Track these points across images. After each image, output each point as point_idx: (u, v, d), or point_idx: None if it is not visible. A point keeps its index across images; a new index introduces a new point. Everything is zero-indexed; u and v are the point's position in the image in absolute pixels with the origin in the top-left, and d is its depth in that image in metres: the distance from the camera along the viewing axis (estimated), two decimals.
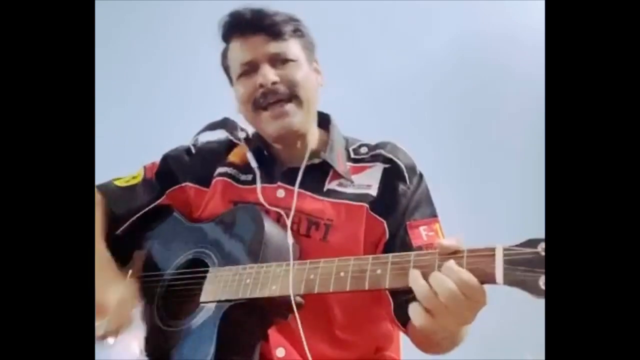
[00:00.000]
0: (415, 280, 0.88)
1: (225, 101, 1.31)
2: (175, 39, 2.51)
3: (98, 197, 1.30)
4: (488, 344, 2.10)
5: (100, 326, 1.11)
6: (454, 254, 0.89)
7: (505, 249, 0.85)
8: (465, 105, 2.47)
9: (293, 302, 1.00)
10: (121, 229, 1.29)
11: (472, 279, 0.85)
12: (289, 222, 1.13)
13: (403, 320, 1.13)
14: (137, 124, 2.43)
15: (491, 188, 2.36)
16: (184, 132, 1.38)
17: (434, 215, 1.21)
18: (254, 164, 1.25)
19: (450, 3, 2.47)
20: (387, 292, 1.12)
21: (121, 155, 1.56)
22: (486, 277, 0.85)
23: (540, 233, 0.82)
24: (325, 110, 1.33)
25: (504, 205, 2.38)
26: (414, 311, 0.89)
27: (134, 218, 1.29)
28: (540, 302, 0.78)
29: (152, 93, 2.49)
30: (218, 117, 1.34)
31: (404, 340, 1.30)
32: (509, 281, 0.83)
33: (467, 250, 0.89)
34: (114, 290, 1.14)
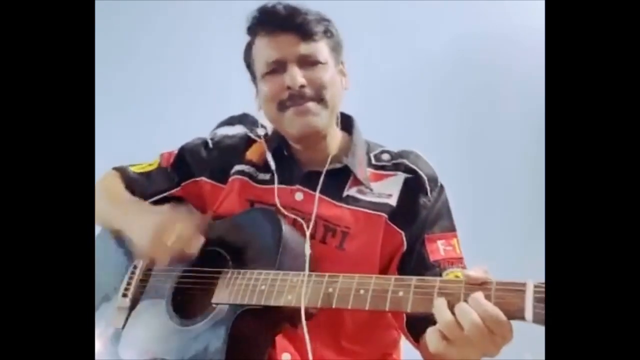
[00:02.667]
0: (440, 309, 0.86)
1: (242, 96, 1.28)
2: (189, 32, 2.46)
3: (116, 175, 1.31)
4: None
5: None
6: (482, 284, 0.87)
7: (536, 286, 0.83)
8: (465, 106, 2.46)
9: (303, 315, 0.99)
10: None
11: (499, 314, 0.83)
12: (308, 232, 1.11)
13: (415, 336, 1.12)
14: (147, 117, 2.41)
15: (491, 188, 2.36)
16: (197, 125, 1.36)
17: (452, 229, 1.20)
18: (272, 165, 1.22)
19: (451, 3, 2.46)
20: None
21: (123, 149, 1.54)
22: (514, 313, 0.83)
23: (540, 233, 0.81)
24: None
25: (503, 206, 2.38)
26: (432, 337, 0.87)
27: (149, 201, 1.27)
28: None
29: (165, 86, 2.46)
30: (229, 110, 1.31)
31: (403, 341, 1.29)
32: (539, 320, 0.81)
33: (496, 282, 0.86)
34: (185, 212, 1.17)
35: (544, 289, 0.82)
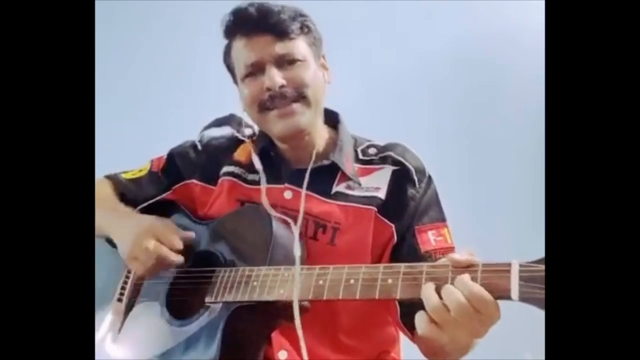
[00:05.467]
0: (427, 293, 0.87)
1: (231, 97, 1.28)
2: (175, 35, 2.49)
3: (107, 184, 1.32)
4: (488, 344, 2.10)
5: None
6: (468, 267, 0.88)
7: (521, 265, 0.84)
8: (465, 106, 2.46)
9: (296, 309, 0.99)
10: None
11: (484, 293, 0.84)
12: (296, 229, 1.11)
13: (411, 327, 1.12)
14: (139, 120, 2.42)
15: (491, 188, 2.36)
16: (189, 128, 1.36)
17: (442, 219, 1.20)
18: (258, 165, 1.22)
19: (451, 3, 2.46)
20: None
21: (123, 152, 1.55)
22: (501, 293, 0.84)
23: (540, 234, 0.81)
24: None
25: (503, 206, 2.38)
26: (420, 320, 0.88)
27: (140, 207, 1.28)
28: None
29: (156, 88, 2.47)
30: (224, 113, 1.33)
31: (404, 340, 1.30)
32: (525, 298, 0.82)
33: (482, 264, 0.88)
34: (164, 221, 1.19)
35: (529, 269, 0.84)
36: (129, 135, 2.32)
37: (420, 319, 0.88)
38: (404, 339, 1.29)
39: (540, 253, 0.82)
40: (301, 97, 1.17)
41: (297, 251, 1.05)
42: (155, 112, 2.43)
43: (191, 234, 1.18)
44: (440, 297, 0.86)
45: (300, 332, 1.00)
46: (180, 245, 1.14)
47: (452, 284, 0.87)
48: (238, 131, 1.30)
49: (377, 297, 0.93)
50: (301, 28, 1.19)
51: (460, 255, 0.89)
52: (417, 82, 2.45)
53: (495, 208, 2.38)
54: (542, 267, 0.82)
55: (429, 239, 1.15)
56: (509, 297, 0.83)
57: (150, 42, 2.50)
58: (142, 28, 2.52)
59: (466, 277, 0.86)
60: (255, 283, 1.04)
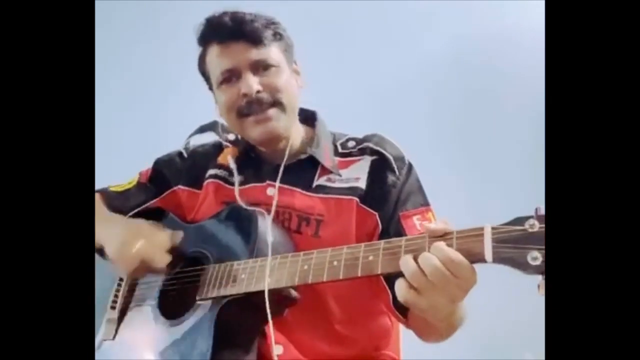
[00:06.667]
0: (405, 261, 0.90)
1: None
2: (176, 35, 2.53)
3: (96, 196, 1.34)
4: (488, 343, 2.10)
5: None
6: (444, 236, 0.90)
7: (493, 228, 0.87)
8: (464, 106, 2.48)
9: (267, 300, 1.02)
10: None
11: (458, 256, 0.87)
12: (269, 218, 1.15)
13: (402, 311, 1.13)
14: (133, 130, 2.45)
15: (491, 189, 2.36)
16: (179, 137, 1.39)
17: (426, 204, 1.22)
18: (232, 165, 1.26)
19: (451, 4, 2.48)
20: (385, 283, 1.12)
21: (115, 163, 1.58)
22: (476, 256, 0.87)
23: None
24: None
25: (503, 206, 2.37)
26: (399, 287, 0.91)
27: (131, 214, 1.31)
28: (541, 303, 0.78)
29: (154, 92, 2.51)
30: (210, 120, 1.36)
31: (404, 340, 1.30)
32: (498, 259, 0.85)
33: (457, 231, 0.90)
34: (149, 225, 1.20)
35: (501, 230, 0.86)
36: (123, 144, 2.36)
37: (399, 285, 0.90)
38: (404, 339, 1.31)
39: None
40: (277, 102, 1.20)
41: (269, 237, 1.09)
42: (157, 109, 2.46)
43: (180, 232, 1.20)
44: (419, 266, 0.88)
45: (269, 318, 1.03)
46: (167, 244, 1.16)
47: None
48: (221, 137, 1.33)
49: (359, 274, 0.96)
50: (274, 35, 1.23)
51: (435, 224, 0.92)
52: (417, 82, 2.47)
53: (496, 208, 2.37)
54: (515, 227, 0.85)
55: (414, 223, 1.17)
56: (483, 260, 0.86)
57: (150, 43, 2.55)
58: (140, 31, 2.57)
59: (441, 243, 0.88)
60: (243, 276, 1.06)
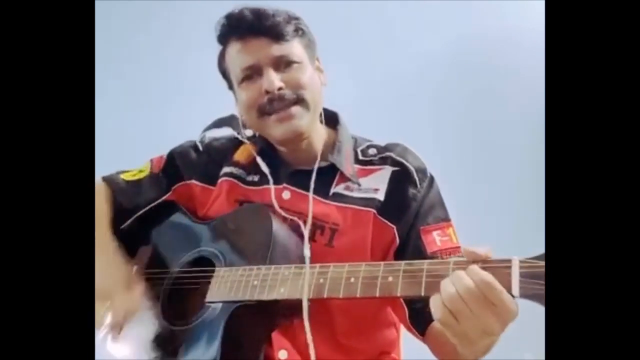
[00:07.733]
0: (444, 284, 0.86)
1: (232, 97, 1.28)
2: (176, 33, 2.50)
3: (104, 188, 1.29)
4: None
5: (106, 312, 1.09)
6: (467, 263, 0.87)
7: (521, 262, 0.84)
8: (465, 106, 2.47)
9: (305, 307, 0.99)
10: (126, 223, 1.27)
11: (494, 281, 0.82)
12: (306, 232, 1.11)
13: (420, 328, 1.11)
14: (141, 118, 2.42)
15: (491, 189, 2.37)
16: (189, 127, 1.36)
17: (447, 219, 1.19)
18: (265, 169, 1.22)
19: (451, 4, 2.47)
20: (401, 298, 1.10)
21: (124, 149, 1.55)
22: None
23: (540, 234, 0.81)
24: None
25: (503, 206, 2.39)
26: (435, 304, 0.86)
27: (139, 213, 1.27)
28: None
29: (157, 87, 2.48)
30: (225, 113, 1.32)
31: (404, 341, 1.30)
32: (525, 295, 0.82)
33: (481, 261, 0.87)
34: (120, 275, 1.13)
35: (529, 265, 0.84)
36: (129, 133, 2.33)
37: (435, 302, 0.86)
38: (404, 340, 1.30)
39: (541, 250, 0.82)
40: (300, 99, 1.16)
41: (307, 251, 1.07)
42: (157, 111, 2.44)
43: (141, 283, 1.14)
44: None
45: (307, 328, 1.00)
46: (135, 292, 1.11)
47: None
48: (238, 132, 1.29)
49: (377, 295, 0.93)
50: (296, 30, 1.19)
51: (481, 249, 0.88)
52: (417, 82, 2.46)
53: (496, 207, 2.38)
54: (542, 263, 0.83)
55: (434, 239, 1.14)
56: (509, 294, 0.83)
57: (152, 41, 2.51)
58: (142, 28, 2.53)
59: (476, 267, 0.84)
60: (255, 282, 1.04)
